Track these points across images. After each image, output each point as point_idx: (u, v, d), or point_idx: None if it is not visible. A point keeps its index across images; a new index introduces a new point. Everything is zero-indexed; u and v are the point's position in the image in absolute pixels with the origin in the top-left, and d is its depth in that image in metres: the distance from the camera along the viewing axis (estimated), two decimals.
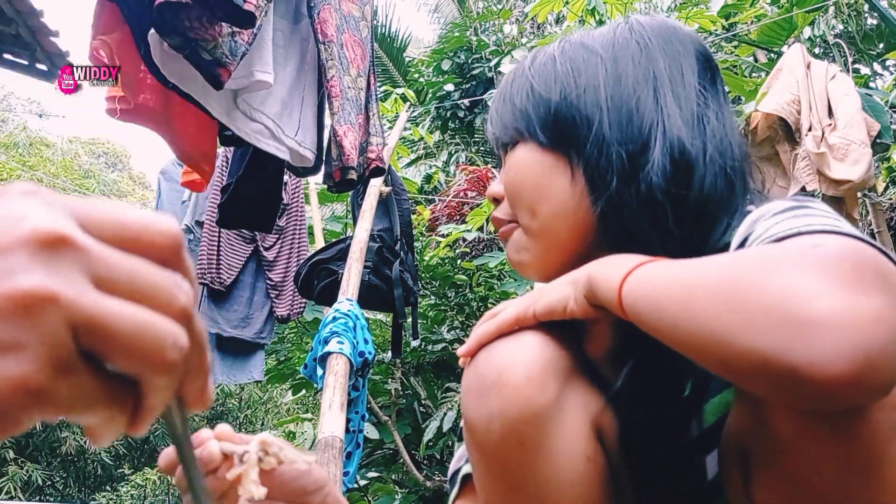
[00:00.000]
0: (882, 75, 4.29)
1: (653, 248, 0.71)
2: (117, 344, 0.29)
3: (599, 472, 0.68)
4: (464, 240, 4.40)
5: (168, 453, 0.66)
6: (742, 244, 0.66)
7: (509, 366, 0.66)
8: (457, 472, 0.86)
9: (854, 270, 0.52)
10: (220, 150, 2.78)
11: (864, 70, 4.06)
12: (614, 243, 0.74)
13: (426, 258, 3.85)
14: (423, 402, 3.81)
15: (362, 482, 3.64)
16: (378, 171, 2.22)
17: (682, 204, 0.73)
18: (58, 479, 9.71)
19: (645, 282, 0.61)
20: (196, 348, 0.32)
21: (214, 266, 3.56)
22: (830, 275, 0.51)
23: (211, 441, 0.63)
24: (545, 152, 0.80)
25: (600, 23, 3.10)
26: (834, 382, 0.47)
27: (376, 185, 2.76)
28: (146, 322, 0.30)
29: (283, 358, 4.42)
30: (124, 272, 0.30)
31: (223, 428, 0.65)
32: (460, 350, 0.71)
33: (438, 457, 3.84)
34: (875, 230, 3.28)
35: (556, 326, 0.70)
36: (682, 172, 0.74)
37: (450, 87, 6.73)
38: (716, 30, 3.81)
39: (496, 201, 0.86)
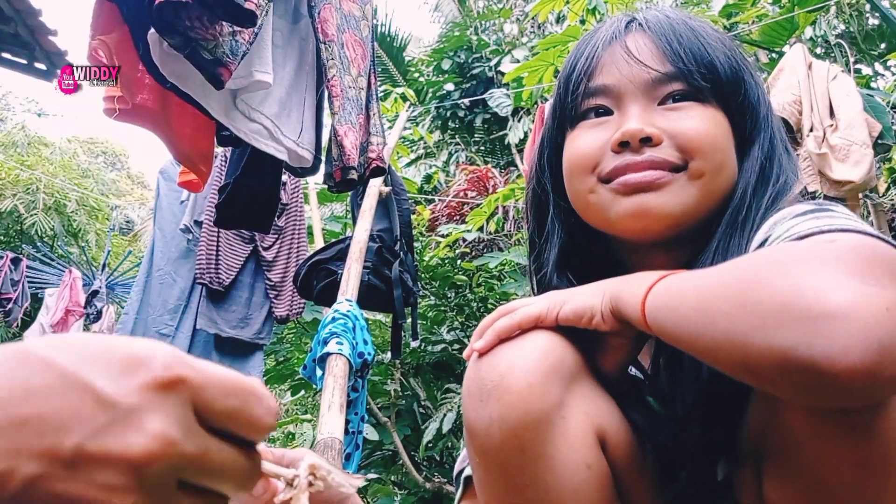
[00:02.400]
0: (883, 75, 4.29)
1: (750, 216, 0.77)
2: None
3: (601, 479, 0.67)
4: (464, 240, 4.40)
5: None
6: (761, 246, 0.65)
7: (511, 370, 0.65)
8: (461, 471, 0.86)
9: (867, 263, 0.52)
10: (219, 149, 2.77)
11: (866, 70, 4.06)
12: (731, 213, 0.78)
13: (426, 258, 3.84)
14: (423, 403, 3.80)
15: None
16: (378, 171, 2.21)
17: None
18: None
19: (664, 294, 0.61)
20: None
21: (213, 266, 3.54)
22: (844, 268, 0.51)
23: None
24: (727, 121, 0.81)
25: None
26: (850, 374, 0.47)
27: (376, 185, 2.75)
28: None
29: (281, 358, 4.42)
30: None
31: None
32: (477, 345, 0.69)
33: (438, 458, 3.83)
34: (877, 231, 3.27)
35: (565, 330, 0.69)
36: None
37: (450, 86, 6.74)
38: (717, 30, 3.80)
39: (646, 141, 0.78)
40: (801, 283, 0.51)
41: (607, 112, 0.82)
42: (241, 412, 0.38)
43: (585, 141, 0.82)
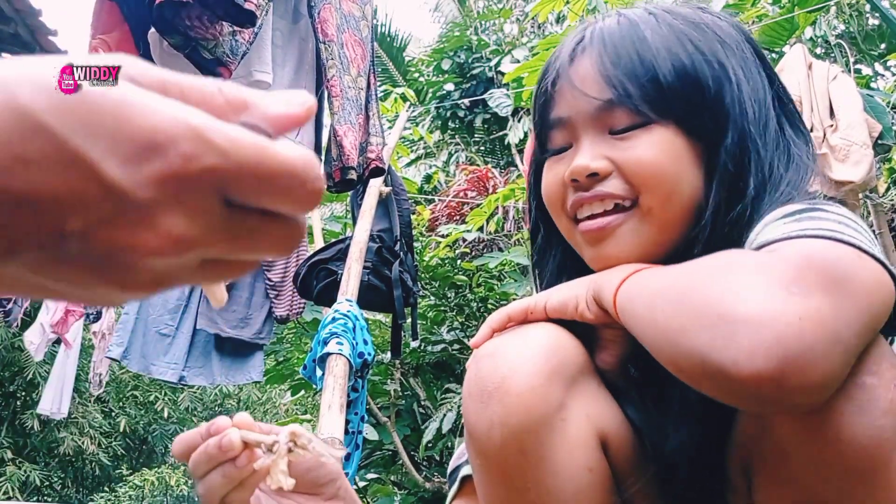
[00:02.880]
0: (883, 76, 4.29)
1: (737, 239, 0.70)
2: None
3: (602, 482, 0.67)
4: (463, 240, 4.40)
5: (182, 439, 0.65)
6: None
7: (513, 372, 0.64)
8: (456, 469, 0.85)
9: (798, 272, 0.52)
10: None
11: (866, 70, 4.06)
12: (711, 237, 0.72)
13: (426, 259, 3.84)
14: (423, 403, 3.80)
15: (361, 483, 3.63)
16: (378, 171, 2.21)
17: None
18: (55, 479, 9.69)
19: (631, 288, 0.63)
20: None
21: None
22: (771, 276, 0.52)
23: (231, 429, 0.63)
24: (684, 138, 0.73)
25: None
26: (756, 380, 0.48)
27: (376, 185, 2.75)
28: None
29: (281, 358, 4.42)
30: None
31: (242, 417, 0.65)
32: (473, 340, 0.71)
33: (438, 458, 3.83)
34: (877, 231, 3.27)
35: (568, 330, 0.69)
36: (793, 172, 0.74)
37: (450, 86, 6.74)
38: None
39: (593, 177, 0.74)
40: (725, 289, 0.53)
41: (569, 142, 0.78)
42: (281, 198, 0.31)
43: (550, 178, 0.79)
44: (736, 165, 0.72)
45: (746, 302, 0.51)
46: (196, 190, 0.29)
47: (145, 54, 1.63)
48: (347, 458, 2.16)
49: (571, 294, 0.70)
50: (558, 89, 0.77)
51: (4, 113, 0.27)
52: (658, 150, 0.72)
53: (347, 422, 2.10)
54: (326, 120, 2.19)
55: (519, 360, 0.65)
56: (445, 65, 6.86)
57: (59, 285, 0.30)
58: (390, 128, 3.46)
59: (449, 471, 0.88)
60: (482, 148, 7.06)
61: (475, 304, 3.77)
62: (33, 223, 0.27)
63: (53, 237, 0.28)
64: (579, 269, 0.84)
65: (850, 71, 3.47)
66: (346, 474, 2.11)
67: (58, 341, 6.81)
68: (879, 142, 2.97)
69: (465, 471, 0.82)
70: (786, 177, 0.73)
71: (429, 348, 3.81)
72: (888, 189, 3.31)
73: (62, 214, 0.27)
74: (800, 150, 0.76)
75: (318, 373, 2.13)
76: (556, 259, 0.86)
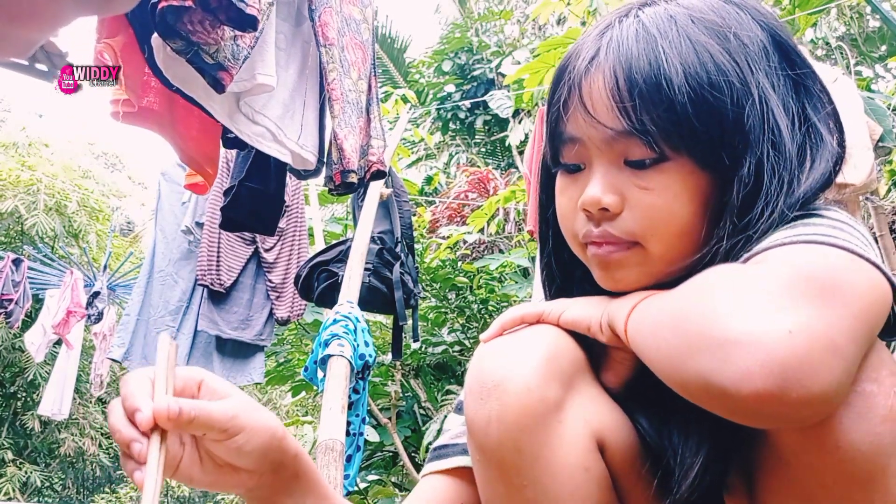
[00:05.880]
0: (884, 77, 4.29)
1: None
2: None
3: (599, 482, 0.67)
4: (464, 242, 4.40)
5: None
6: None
7: (512, 371, 0.65)
8: (444, 447, 0.83)
9: (788, 284, 0.52)
10: (223, 152, 2.77)
11: (867, 72, 4.06)
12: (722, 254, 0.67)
13: (427, 260, 3.85)
14: (423, 404, 3.81)
15: (362, 485, 3.63)
16: (379, 174, 2.21)
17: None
18: (56, 480, 9.70)
19: (637, 317, 0.64)
20: None
21: (214, 267, 3.55)
22: (759, 291, 0.52)
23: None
24: (699, 173, 0.67)
25: None
26: (757, 399, 0.49)
27: (377, 187, 2.76)
28: None
29: (282, 360, 4.43)
30: None
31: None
32: (483, 335, 0.72)
33: None
34: (877, 234, 3.27)
35: (575, 333, 0.70)
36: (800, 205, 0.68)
37: (450, 88, 6.75)
38: None
39: (604, 211, 0.69)
40: (716, 309, 0.53)
41: (582, 162, 0.74)
42: None
43: (563, 201, 0.75)
44: (748, 196, 0.67)
45: (736, 321, 0.51)
46: None
47: (150, 58, 1.63)
48: (349, 459, 2.16)
49: (586, 314, 0.70)
50: (571, 106, 0.72)
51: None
52: (671, 195, 0.67)
53: (349, 423, 2.11)
54: (329, 121, 2.19)
55: (519, 360, 0.66)
56: (446, 66, 6.88)
57: None
58: (391, 129, 3.47)
59: (434, 445, 0.86)
60: (483, 149, 7.06)
61: (476, 305, 3.78)
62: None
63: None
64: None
65: (850, 73, 3.47)
66: (348, 476, 2.12)
67: (59, 342, 6.82)
68: (880, 144, 2.97)
69: (465, 462, 0.81)
70: (801, 188, 0.69)
71: (429, 350, 3.82)
72: (889, 191, 3.32)
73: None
74: (821, 148, 0.71)
75: (320, 374, 2.14)
76: (567, 259, 0.82)
